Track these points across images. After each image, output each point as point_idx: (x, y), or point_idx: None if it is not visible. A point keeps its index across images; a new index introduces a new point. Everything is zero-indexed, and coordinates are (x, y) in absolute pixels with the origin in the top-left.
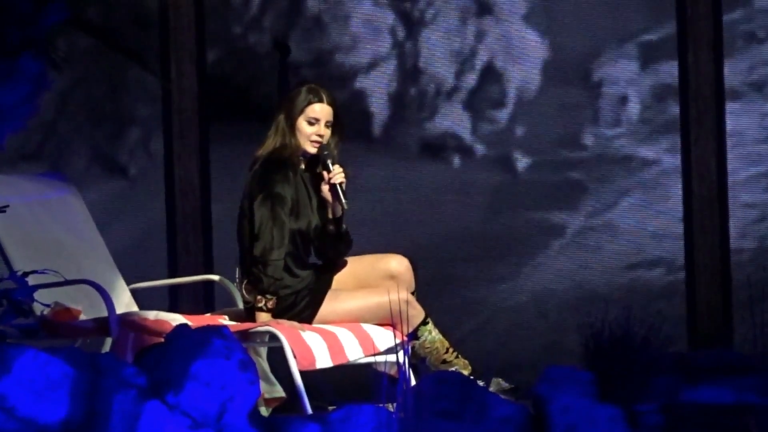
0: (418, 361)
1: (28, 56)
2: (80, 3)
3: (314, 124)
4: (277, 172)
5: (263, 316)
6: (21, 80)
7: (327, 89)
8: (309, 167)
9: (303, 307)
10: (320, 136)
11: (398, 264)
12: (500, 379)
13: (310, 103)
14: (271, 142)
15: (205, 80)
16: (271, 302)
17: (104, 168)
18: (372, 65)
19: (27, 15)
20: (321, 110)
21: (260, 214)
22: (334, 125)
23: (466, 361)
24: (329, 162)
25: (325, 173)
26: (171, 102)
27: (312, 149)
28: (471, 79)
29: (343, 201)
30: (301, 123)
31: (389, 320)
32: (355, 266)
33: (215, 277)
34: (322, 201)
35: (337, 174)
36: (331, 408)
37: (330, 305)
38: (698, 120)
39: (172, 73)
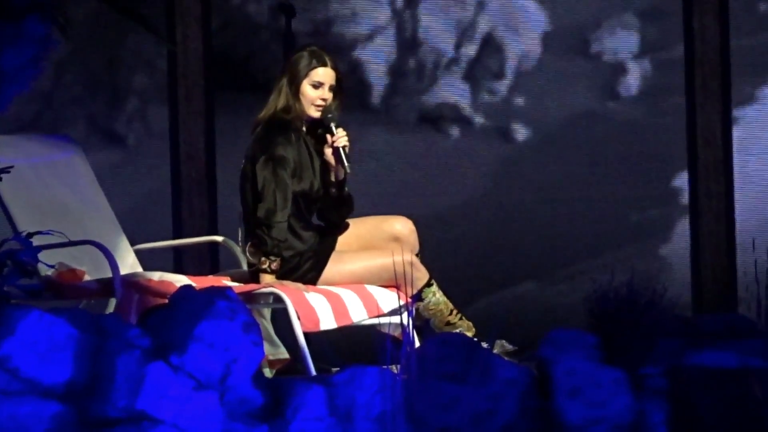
0: (422, 322)
1: (33, 19)
2: None
3: (318, 87)
4: (279, 135)
5: (267, 278)
6: (26, 43)
7: (329, 53)
8: (311, 130)
9: (307, 269)
10: (324, 100)
11: (402, 226)
12: (504, 341)
13: (314, 67)
14: (273, 105)
15: (210, 46)
16: (275, 264)
17: (103, 137)
18: (371, 36)
19: None
20: (325, 74)
21: (263, 176)
22: (337, 90)
23: (470, 323)
24: (332, 125)
25: (328, 136)
26: (176, 65)
27: (315, 113)
28: (470, 50)
29: (346, 164)
30: (305, 87)
31: (393, 282)
32: (359, 228)
33: (220, 239)
34: (324, 163)
35: (340, 137)
36: (335, 370)
37: (334, 267)
38: (703, 86)
39: (178, 36)
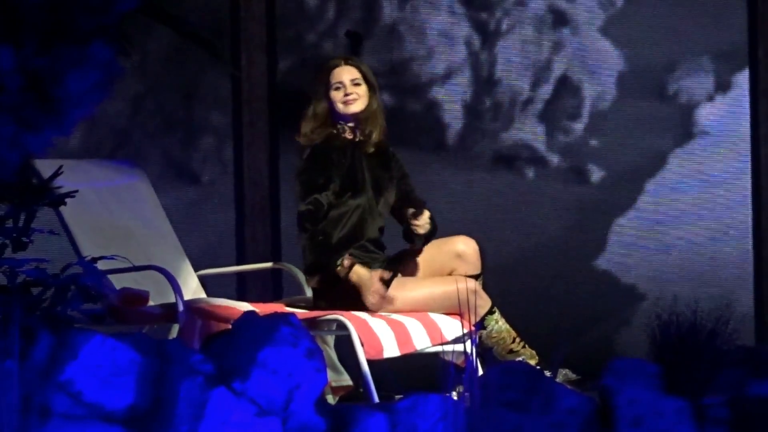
0: (485, 350)
1: (99, 43)
2: None
3: (340, 87)
4: (317, 162)
5: (359, 270)
6: (91, 67)
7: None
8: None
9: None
10: (348, 94)
11: (465, 245)
12: (567, 370)
13: (328, 72)
14: (305, 129)
15: (274, 73)
16: (346, 260)
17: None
18: (447, 75)
19: (99, 2)
20: (340, 72)
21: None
22: (368, 83)
23: (533, 351)
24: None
25: (411, 219)
26: (241, 92)
27: (350, 107)
28: (546, 90)
29: (418, 243)
30: (331, 93)
31: (456, 309)
32: (424, 250)
33: (283, 265)
34: (377, 180)
35: (422, 224)
36: (397, 397)
37: (398, 293)
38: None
39: (242, 62)
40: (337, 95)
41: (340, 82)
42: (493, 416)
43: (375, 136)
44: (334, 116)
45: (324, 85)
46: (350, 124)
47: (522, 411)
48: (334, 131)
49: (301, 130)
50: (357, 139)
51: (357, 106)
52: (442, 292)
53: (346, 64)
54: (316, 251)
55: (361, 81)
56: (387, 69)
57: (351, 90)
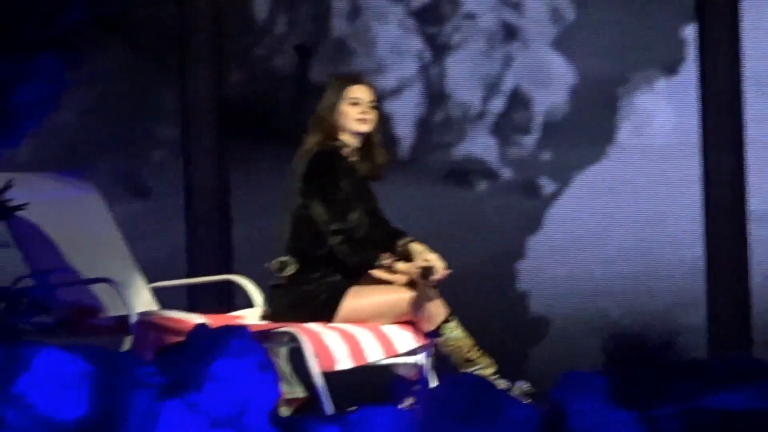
0: (442, 358)
1: (46, 55)
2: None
3: (357, 104)
4: (333, 162)
5: (400, 267)
6: (39, 79)
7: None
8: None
9: (322, 303)
10: (365, 114)
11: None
12: (523, 382)
13: (348, 85)
14: (311, 141)
15: (221, 86)
16: (387, 257)
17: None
18: (398, 89)
19: (46, 14)
20: (361, 90)
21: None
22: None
23: (492, 360)
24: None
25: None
26: (188, 106)
27: (362, 126)
28: (498, 104)
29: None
30: (344, 107)
31: (411, 317)
32: None
33: (234, 277)
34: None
35: (440, 275)
36: (350, 409)
37: (352, 300)
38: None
39: (190, 75)
40: (352, 110)
41: (359, 99)
42: (443, 428)
43: (366, 168)
44: (337, 130)
45: (337, 97)
46: (353, 142)
47: (470, 423)
48: (337, 144)
49: (308, 140)
50: (354, 159)
51: (367, 127)
52: (395, 300)
53: (366, 83)
54: (358, 253)
55: (376, 105)
56: None
57: (367, 111)
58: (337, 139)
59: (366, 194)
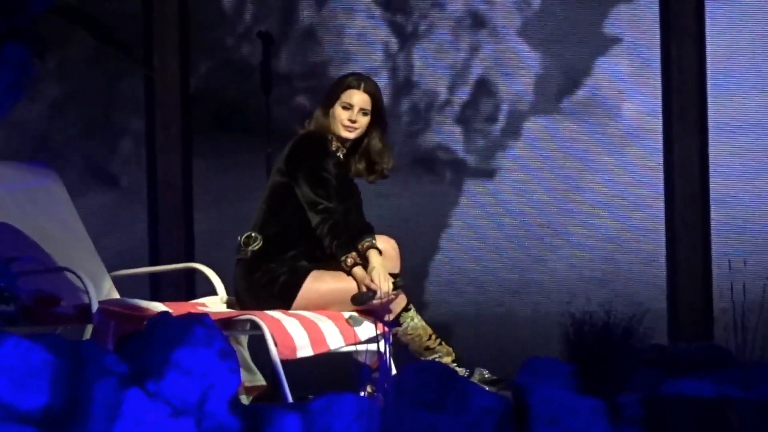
0: (400, 347)
1: (12, 44)
2: None
3: (347, 109)
4: (319, 147)
5: (357, 275)
6: (5, 69)
7: (373, 80)
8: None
9: (282, 283)
10: (352, 121)
11: (384, 244)
12: (483, 369)
13: (346, 88)
14: (304, 131)
15: (187, 75)
16: (351, 259)
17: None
18: None
19: (12, 3)
20: (355, 96)
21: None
22: (375, 119)
23: (450, 348)
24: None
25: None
26: (154, 94)
27: (345, 132)
28: (464, 93)
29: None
30: (337, 107)
31: (370, 305)
32: None
33: (196, 266)
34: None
35: (386, 289)
36: (311, 397)
37: (312, 285)
38: (681, 116)
39: (155, 63)
40: (342, 114)
41: (351, 104)
42: (408, 416)
43: (355, 170)
44: (329, 128)
45: (335, 96)
46: (340, 144)
47: (436, 411)
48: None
49: (302, 131)
50: (342, 157)
51: (353, 135)
52: (355, 287)
53: (365, 90)
54: (337, 238)
55: (369, 112)
56: (305, 71)
57: (356, 117)
58: (328, 133)
59: (348, 190)
